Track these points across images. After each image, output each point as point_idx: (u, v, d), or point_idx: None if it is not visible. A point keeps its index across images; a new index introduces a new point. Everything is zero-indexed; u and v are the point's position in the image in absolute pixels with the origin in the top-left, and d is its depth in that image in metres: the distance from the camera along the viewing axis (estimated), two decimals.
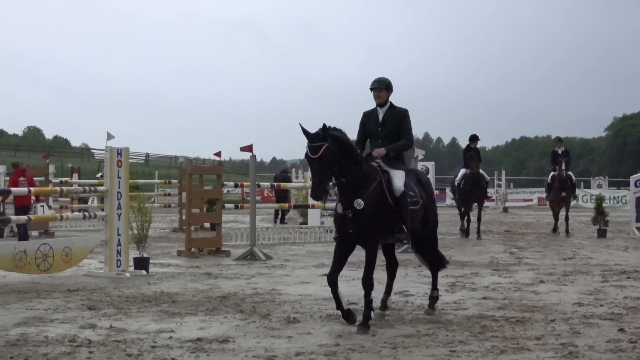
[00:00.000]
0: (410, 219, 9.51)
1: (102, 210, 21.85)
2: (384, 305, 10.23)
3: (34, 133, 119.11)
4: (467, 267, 15.78)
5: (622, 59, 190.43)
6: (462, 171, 23.92)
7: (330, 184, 9.00)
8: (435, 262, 10.74)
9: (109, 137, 14.92)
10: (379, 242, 9.47)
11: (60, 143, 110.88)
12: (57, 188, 21.34)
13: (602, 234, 23.57)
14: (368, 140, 10.16)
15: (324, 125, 8.75)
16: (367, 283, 9.12)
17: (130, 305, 10.91)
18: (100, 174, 36.51)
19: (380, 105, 10.04)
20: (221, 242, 18.66)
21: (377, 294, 9.89)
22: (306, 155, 8.83)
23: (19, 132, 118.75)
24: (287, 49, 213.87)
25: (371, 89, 10.06)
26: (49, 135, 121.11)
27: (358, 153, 9.40)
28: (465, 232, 23.56)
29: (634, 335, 8.87)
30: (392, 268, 10.50)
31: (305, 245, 20.67)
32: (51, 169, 28.04)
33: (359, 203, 8.92)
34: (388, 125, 9.97)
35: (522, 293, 12.15)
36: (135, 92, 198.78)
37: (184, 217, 22.37)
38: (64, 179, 30.36)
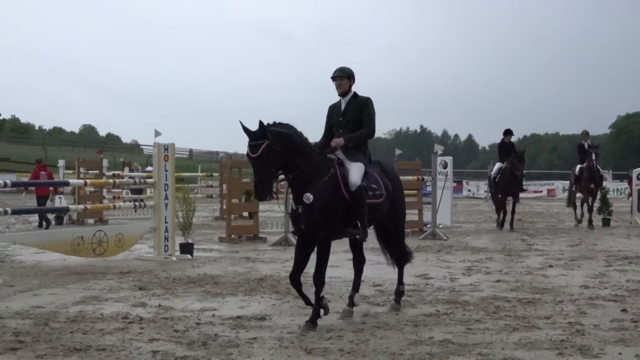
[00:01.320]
0: (374, 212, 8.55)
1: (139, 200, 22.08)
2: (351, 302, 8.92)
3: (89, 130, 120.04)
4: (482, 252, 15.74)
5: (625, 59, 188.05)
6: (498, 165, 22.62)
7: (275, 182, 8.03)
8: (401, 256, 9.51)
9: (157, 134, 14.92)
10: (332, 238, 8.28)
11: (112, 139, 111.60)
12: (110, 180, 21.51)
13: (606, 222, 23.37)
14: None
15: (260, 122, 7.73)
16: (317, 280, 8.16)
17: (176, 286, 11.00)
18: (132, 168, 36.62)
19: (342, 95, 8.84)
20: (258, 229, 18.75)
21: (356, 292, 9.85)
22: (247, 154, 7.83)
23: (76, 130, 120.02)
24: (310, 50, 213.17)
25: (332, 78, 8.86)
26: (102, 132, 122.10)
27: (307, 146, 8.18)
28: (500, 224, 22.22)
29: (636, 315, 8.83)
30: (358, 264, 9.23)
31: None
32: (105, 163, 28.23)
33: (308, 197, 7.93)
34: (349, 114, 8.78)
35: (533, 276, 12.10)
36: (176, 92, 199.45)
37: (224, 207, 22.50)
38: (116, 172, 30.56)
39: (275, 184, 8.01)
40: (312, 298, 8.30)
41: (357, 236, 8.47)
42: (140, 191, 31.24)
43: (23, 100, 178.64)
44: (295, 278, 8.22)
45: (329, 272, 12.00)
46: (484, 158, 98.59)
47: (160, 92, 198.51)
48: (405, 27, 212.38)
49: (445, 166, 22.28)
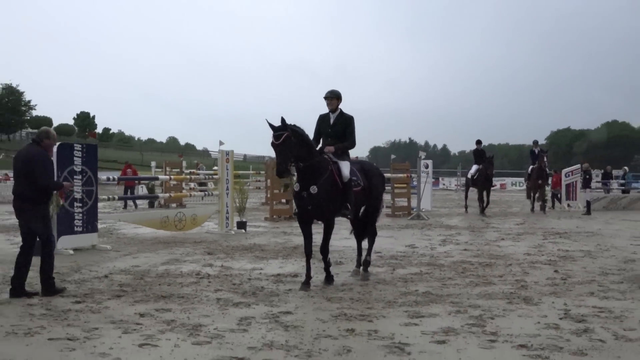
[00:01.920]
0: (356, 198, 8.14)
1: (202, 191, 22.12)
2: (358, 264, 8.75)
3: (173, 140, 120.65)
4: (453, 229, 15.62)
5: (556, 89, 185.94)
6: (475, 167, 21.80)
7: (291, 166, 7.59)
8: (371, 233, 8.85)
9: (221, 143, 14.93)
10: (334, 217, 8.03)
11: (189, 147, 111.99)
12: (188, 176, 21.57)
13: (542, 208, 23.09)
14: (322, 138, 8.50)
15: (282, 118, 7.40)
16: (324, 250, 7.97)
17: (234, 252, 10.99)
18: (197, 168, 36.52)
19: (332, 111, 8.37)
20: (293, 212, 18.69)
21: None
22: (271, 142, 7.43)
23: (164, 140, 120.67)
24: (329, 83, 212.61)
25: (325, 98, 8.39)
26: (182, 141, 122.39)
27: (313, 146, 7.91)
28: (482, 210, 21.08)
29: (564, 274, 8.75)
30: (362, 235, 8.88)
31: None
32: (184, 164, 28.36)
33: (313, 189, 7.61)
34: (337, 127, 8.31)
35: (490, 246, 12.00)
36: (234, 112, 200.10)
37: (268, 195, 22.50)
38: (192, 171, 30.67)
39: (291, 167, 7.58)
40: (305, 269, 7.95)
41: (349, 215, 8.27)
42: (204, 184, 31.25)
43: (127, 118, 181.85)
44: (309, 250, 7.90)
45: (343, 243, 12.01)
46: (455, 161, 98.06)
47: (223, 112, 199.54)
48: (402, 68, 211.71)
49: (427, 167, 22.17)
